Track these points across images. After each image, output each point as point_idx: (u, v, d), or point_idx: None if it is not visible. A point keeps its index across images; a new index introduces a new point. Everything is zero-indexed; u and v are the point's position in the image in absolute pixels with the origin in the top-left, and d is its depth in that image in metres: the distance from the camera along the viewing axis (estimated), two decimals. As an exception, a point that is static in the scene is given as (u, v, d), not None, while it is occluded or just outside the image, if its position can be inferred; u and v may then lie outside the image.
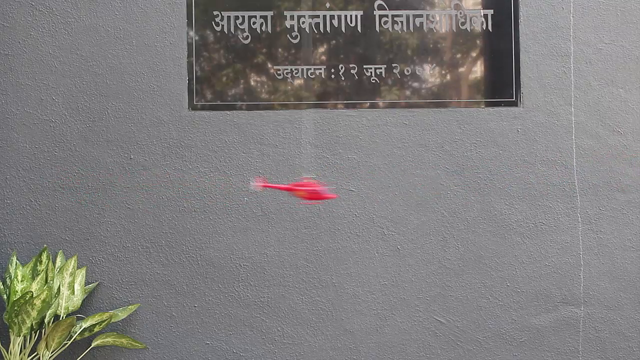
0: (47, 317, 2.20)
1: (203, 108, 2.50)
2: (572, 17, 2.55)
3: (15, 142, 2.45)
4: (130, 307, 2.40)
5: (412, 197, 2.51)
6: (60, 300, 2.24)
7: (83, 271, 2.35)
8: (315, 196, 1.90)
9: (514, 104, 2.54)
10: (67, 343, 2.24)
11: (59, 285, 2.24)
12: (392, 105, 2.54)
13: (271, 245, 2.48)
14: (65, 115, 2.46)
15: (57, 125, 2.46)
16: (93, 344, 2.30)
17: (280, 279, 2.48)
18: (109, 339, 2.32)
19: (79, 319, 2.32)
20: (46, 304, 2.12)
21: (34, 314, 2.11)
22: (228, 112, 2.50)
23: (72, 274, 2.29)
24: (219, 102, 2.51)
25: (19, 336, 2.16)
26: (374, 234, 2.50)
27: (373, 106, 2.53)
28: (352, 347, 2.49)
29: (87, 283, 2.41)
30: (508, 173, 2.52)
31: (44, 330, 2.23)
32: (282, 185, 2.15)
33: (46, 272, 2.26)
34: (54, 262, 2.36)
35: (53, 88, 2.46)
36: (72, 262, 2.30)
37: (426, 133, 2.52)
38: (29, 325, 2.14)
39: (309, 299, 2.49)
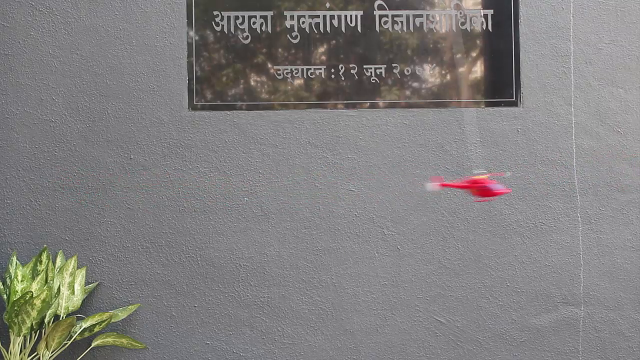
0: (47, 317, 2.20)
1: (203, 108, 2.50)
2: (572, 17, 2.55)
3: (15, 142, 2.45)
4: (130, 307, 2.40)
5: (412, 197, 2.51)
6: (60, 300, 2.24)
7: (83, 271, 2.35)
8: (487, 193, 1.82)
9: (514, 104, 2.54)
10: (67, 343, 2.24)
11: (59, 285, 2.24)
12: (392, 105, 2.54)
13: (271, 245, 2.48)
14: (65, 115, 2.46)
15: (57, 125, 2.46)
16: (93, 344, 2.30)
17: (280, 279, 2.48)
18: (109, 339, 2.32)
19: (79, 319, 2.33)
20: (46, 304, 2.12)
21: (34, 314, 2.11)
22: (228, 112, 2.50)
23: (72, 274, 2.29)
24: (219, 102, 2.51)
25: (19, 336, 2.16)
26: (374, 234, 2.50)
27: (373, 106, 2.53)
28: (352, 347, 2.49)
29: (87, 283, 2.41)
30: (508, 173, 2.53)
31: (44, 330, 2.23)
32: (459, 184, 2.01)
33: (46, 272, 2.26)
34: (54, 262, 2.36)
35: (53, 88, 2.46)
36: (72, 262, 2.30)
37: (426, 133, 2.52)
38: (29, 325, 2.14)
39: (309, 299, 2.49)
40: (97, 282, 2.44)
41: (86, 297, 2.39)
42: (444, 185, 2.34)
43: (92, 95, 2.47)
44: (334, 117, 2.51)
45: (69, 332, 2.19)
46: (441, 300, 2.51)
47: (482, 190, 1.82)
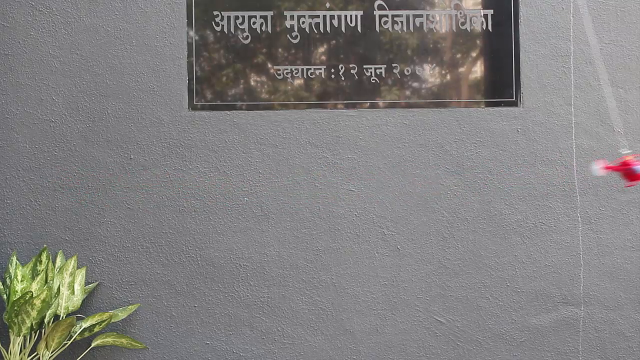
0: (47, 317, 2.20)
1: (203, 108, 2.50)
2: (572, 17, 2.55)
3: (15, 142, 2.45)
4: (130, 307, 2.40)
5: (412, 197, 2.51)
6: (60, 300, 2.24)
7: (83, 271, 2.35)
8: (634, 177, 1.69)
9: (514, 104, 2.54)
10: (67, 343, 2.24)
11: (59, 285, 2.24)
12: (392, 105, 2.54)
13: (271, 245, 2.48)
14: (65, 115, 2.46)
15: (57, 125, 2.46)
16: (93, 344, 2.30)
17: (280, 279, 2.48)
18: (109, 339, 2.32)
19: (79, 319, 2.33)
20: (46, 304, 2.12)
21: (33, 314, 2.11)
22: (228, 112, 2.50)
23: (72, 274, 2.29)
24: (219, 102, 2.51)
25: (19, 336, 2.16)
26: (374, 234, 2.50)
27: (373, 106, 2.53)
28: (352, 347, 2.49)
29: (87, 283, 2.41)
30: (508, 173, 2.52)
31: (44, 330, 2.23)
32: (618, 166, 1.83)
33: (46, 272, 2.26)
34: (54, 262, 2.36)
35: (53, 88, 2.46)
36: (72, 262, 2.30)
37: (426, 133, 2.52)
38: (29, 325, 2.14)
39: (309, 299, 2.49)
40: (97, 282, 2.44)
41: (86, 297, 2.39)
42: (607, 169, 2.17)
43: (92, 95, 2.47)
44: (334, 117, 2.51)
45: (69, 332, 2.19)
46: (441, 300, 2.51)
47: (629, 174, 1.69)
